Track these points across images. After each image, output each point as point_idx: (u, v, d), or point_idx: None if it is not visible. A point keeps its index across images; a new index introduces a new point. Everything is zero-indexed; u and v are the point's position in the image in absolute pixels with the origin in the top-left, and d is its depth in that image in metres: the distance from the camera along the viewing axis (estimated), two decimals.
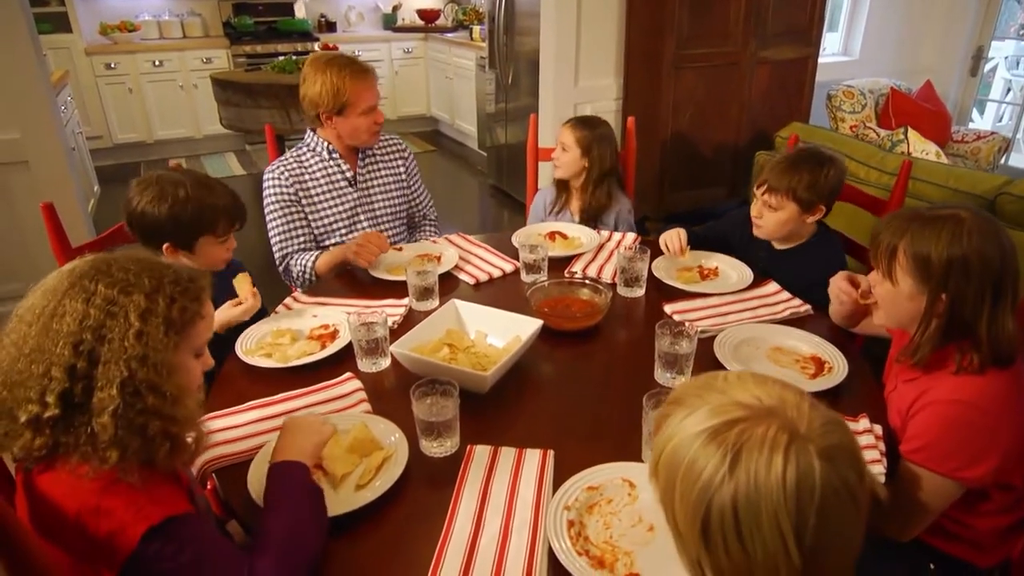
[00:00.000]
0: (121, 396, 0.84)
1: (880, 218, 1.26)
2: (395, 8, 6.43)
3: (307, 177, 2.01)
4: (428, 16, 6.36)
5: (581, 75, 3.69)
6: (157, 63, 5.25)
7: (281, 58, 4.71)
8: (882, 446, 1.16)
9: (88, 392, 0.84)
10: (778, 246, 1.85)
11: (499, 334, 1.50)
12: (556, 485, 1.10)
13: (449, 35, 5.87)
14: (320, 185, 2.02)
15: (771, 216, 1.75)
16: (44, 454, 0.85)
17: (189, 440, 0.95)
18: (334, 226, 2.04)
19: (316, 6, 6.16)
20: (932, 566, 1.26)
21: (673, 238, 1.86)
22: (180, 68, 5.33)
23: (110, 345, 0.85)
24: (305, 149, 2.04)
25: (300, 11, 6.00)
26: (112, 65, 5.13)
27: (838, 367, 1.38)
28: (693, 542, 0.65)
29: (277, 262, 2.00)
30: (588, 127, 2.19)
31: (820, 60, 3.94)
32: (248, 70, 5.04)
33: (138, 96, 5.25)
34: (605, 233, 2.10)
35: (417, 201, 2.25)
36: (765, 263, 1.83)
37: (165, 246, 1.54)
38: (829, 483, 0.61)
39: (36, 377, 0.84)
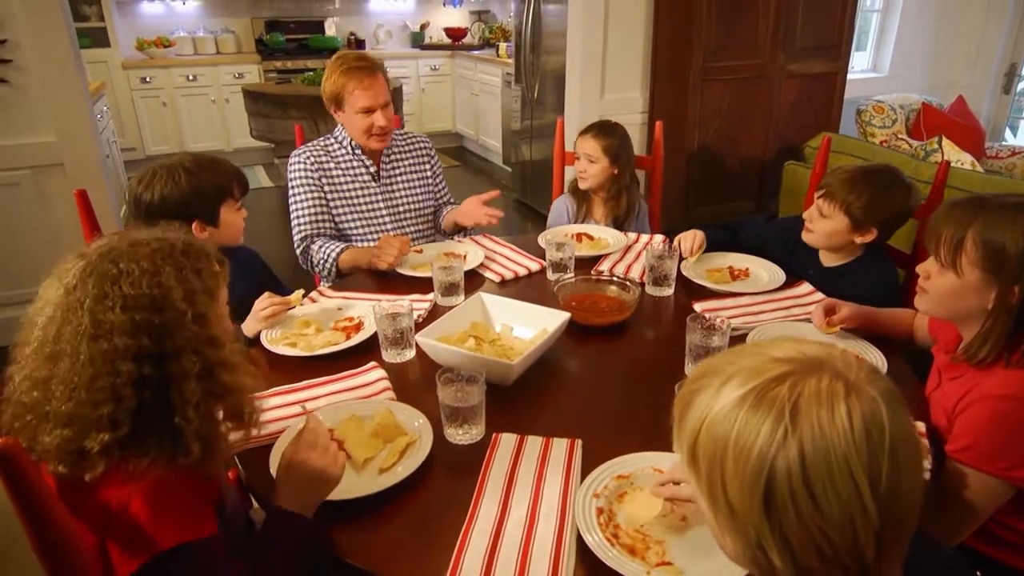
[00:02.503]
0: (200, 385, 0.81)
1: (934, 211, 1.20)
2: (423, 26, 6.53)
3: (332, 165, 2.03)
4: (455, 34, 6.45)
5: (607, 88, 3.69)
6: (191, 77, 5.37)
7: (311, 72, 4.79)
8: (926, 442, 1.11)
9: (160, 393, 0.80)
10: (827, 263, 1.77)
11: (525, 327, 1.47)
12: (584, 474, 1.07)
13: (476, 52, 5.94)
14: (344, 173, 2.04)
15: (820, 223, 1.69)
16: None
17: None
18: (352, 215, 2.05)
19: (346, 24, 6.28)
20: (979, 572, 1.20)
21: (688, 239, 1.82)
22: (213, 83, 5.45)
23: (172, 339, 0.81)
24: (332, 139, 2.07)
25: (330, 29, 6.12)
26: (147, 79, 5.26)
27: (877, 365, 1.34)
28: (753, 520, 0.60)
29: (296, 244, 2.01)
30: (610, 134, 2.18)
31: (848, 77, 3.91)
32: (279, 83, 5.14)
33: (171, 109, 5.37)
34: (632, 235, 2.08)
35: (439, 196, 2.25)
36: (812, 280, 1.74)
37: (194, 224, 1.54)
38: (896, 425, 0.59)
39: (102, 402, 0.78)
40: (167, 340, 0.81)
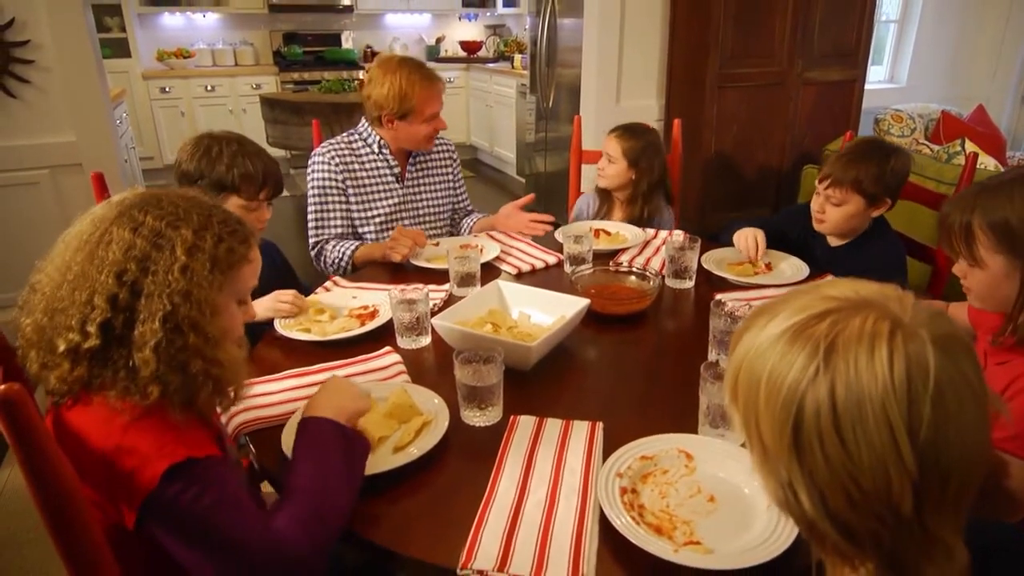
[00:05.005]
0: (163, 330, 0.81)
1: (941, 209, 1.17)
2: (438, 40, 6.59)
3: (356, 165, 2.00)
4: (470, 48, 6.50)
5: (623, 95, 3.68)
6: (209, 88, 5.44)
7: (328, 82, 4.83)
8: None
9: (129, 324, 0.81)
10: (834, 242, 1.78)
11: (543, 314, 1.44)
12: (606, 456, 1.03)
13: (491, 65, 5.98)
14: (368, 173, 2.01)
15: (834, 211, 1.68)
16: (78, 388, 0.82)
17: (229, 389, 0.91)
18: (374, 216, 2.02)
19: (362, 37, 6.35)
20: None
21: (751, 241, 1.74)
22: (231, 93, 5.52)
23: (154, 277, 0.82)
24: (356, 136, 2.04)
25: (347, 42, 6.19)
26: (167, 89, 5.33)
27: None
28: (783, 458, 0.57)
29: (310, 245, 1.99)
30: (635, 136, 2.13)
31: (866, 87, 3.87)
32: (296, 92, 5.19)
33: (189, 119, 5.42)
34: (650, 231, 2.04)
35: (458, 198, 2.23)
36: (821, 261, 1.76)
37: None
38: (945, 371, 0.53)
39: (78, 305, 0.81)
40: (148, 276, 0.82)
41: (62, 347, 0.80)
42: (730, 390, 0.63)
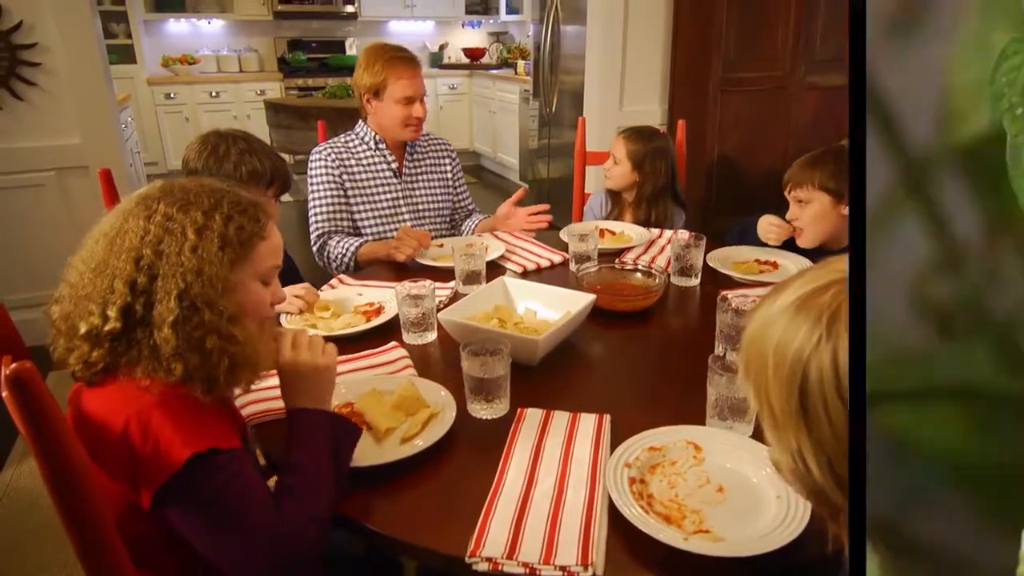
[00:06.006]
0: (179, 308, 0.83)
1: None
2: (442, 47, 6.63)
3: (353, 162, 2.02)
4: (474, 54, 6.53)
5: (626, 100, 3.70)
6: (214, 94, 5.47)
7: (331, 87, 4.86)
8: None
9: (148, 307, 0.84)
10: (829, 248, 1.77)
11: (549, 309, 1.44)
12: (613, 448, 1.02)
13: (494, 72, 6.01)
14: (365, 171, 2.03)
15: (805, 212, 1.71)
16: (101, 369, 0.84)
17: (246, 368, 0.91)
18: (374, 213, 2.03)
19: (366, 44, 6.37)
20: None
21: (776, 227, 1.78)
22: (235, 99, 5.55)
23: (167, 260, 0.85)
24: (353, 136, 2.07)
25: (351, 49, 6.23)
26: (171, 95, 5.36)
27: None
28: (791, 425, 0.58)
29: (312, 241, 2.00)
30: (641, 139, 2.13)
31: None
32: (300, 97, 5.22)
33: (194, 124, 5.44)
34: (655, 231, 2.04)
35: (459, 198, 2.24)
36: None
37: None
38: None
39: (100, 291, 0.85)
40: (162, 259, 0.85)
41: (83, 330, 0.84)
42: (743, 363, 0.65)
